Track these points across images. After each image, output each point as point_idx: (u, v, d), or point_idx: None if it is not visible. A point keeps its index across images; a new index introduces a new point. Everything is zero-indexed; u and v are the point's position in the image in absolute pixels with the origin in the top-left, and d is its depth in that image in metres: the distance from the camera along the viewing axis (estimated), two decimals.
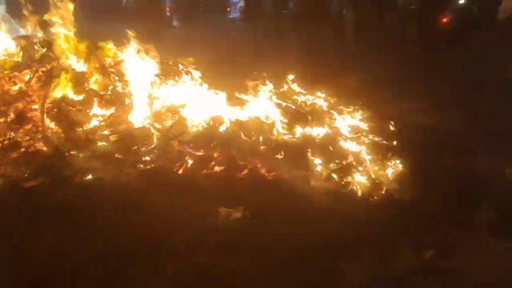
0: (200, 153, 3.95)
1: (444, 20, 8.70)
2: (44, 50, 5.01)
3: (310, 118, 4.54)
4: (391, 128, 4.68)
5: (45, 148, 4.24)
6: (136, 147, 4.00)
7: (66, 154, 4.17)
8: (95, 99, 5.08)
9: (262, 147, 4.11)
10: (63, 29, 5.14)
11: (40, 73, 4.89)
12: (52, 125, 4.54)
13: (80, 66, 5.28)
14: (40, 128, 4.47)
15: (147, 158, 3.83)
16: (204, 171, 3.79)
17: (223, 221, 3.13)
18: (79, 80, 5.11)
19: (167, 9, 8.49)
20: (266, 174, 3.90)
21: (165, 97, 4.54)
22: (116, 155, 3.96)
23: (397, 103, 5.89)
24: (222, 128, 4.22)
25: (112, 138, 4.37)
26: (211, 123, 4.22)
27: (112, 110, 4.97)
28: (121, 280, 2.60)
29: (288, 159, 4.04)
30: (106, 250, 2.85)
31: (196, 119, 4.33)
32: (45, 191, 3.48)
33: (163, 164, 3.74)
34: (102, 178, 3.63)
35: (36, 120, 4.63)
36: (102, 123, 4.72)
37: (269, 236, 3.06)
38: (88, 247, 2.89)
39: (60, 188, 3.50)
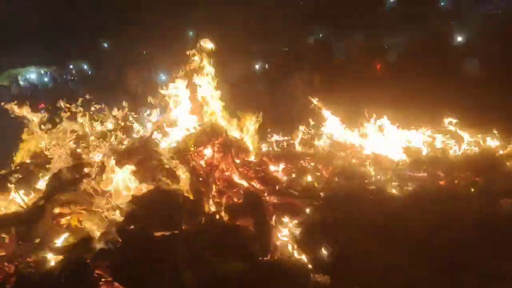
0: (421, 174, 4.64)
1: None
2: (212, 124, 5.50)
3: None
4: None
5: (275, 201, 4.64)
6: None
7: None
8: (265, 158, 5.65)
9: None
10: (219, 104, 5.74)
11: (217, 144, 5.33)
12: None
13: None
14: (252, 189, 4.86)
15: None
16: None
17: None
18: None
19: None
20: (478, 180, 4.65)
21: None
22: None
23: None
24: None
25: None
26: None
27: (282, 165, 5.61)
28: None
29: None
30: None
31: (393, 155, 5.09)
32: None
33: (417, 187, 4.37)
34: None
35: (238, 183, 5.01)
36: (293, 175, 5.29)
37: None
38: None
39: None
